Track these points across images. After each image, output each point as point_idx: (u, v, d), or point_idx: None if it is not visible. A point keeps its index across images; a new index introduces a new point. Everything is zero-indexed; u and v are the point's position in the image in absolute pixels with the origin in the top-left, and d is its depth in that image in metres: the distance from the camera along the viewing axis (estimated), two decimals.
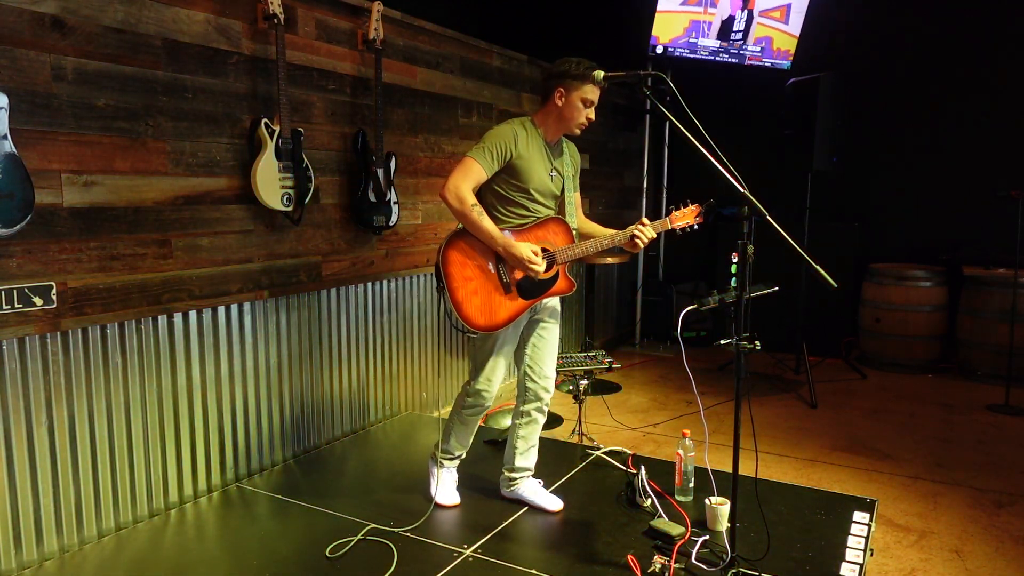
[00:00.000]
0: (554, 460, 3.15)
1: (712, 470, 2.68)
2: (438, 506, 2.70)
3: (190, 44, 2.65)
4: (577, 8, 6.28)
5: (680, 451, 2.75)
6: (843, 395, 4.75)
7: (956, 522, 2.96)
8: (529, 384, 2.69)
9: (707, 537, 2.42)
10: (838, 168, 4.89)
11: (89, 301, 2.40)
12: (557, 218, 2.60)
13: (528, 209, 2.54)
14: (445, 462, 2.79)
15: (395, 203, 3.50)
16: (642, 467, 2.78)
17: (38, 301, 2.25)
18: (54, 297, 2.30)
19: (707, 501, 2.54)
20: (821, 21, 5.58)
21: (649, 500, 2.69)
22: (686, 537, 2.43)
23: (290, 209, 2.97)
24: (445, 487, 2.78)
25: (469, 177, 2.41)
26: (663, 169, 6.48)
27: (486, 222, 2.43)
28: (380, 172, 3.41)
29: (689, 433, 2.77)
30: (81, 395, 2.41)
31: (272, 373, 3.11)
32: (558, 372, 3.54)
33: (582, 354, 3.79)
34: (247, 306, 2.97)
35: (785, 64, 5.71)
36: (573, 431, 3.70)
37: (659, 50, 5.40)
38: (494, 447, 3.32)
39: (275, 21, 2.82)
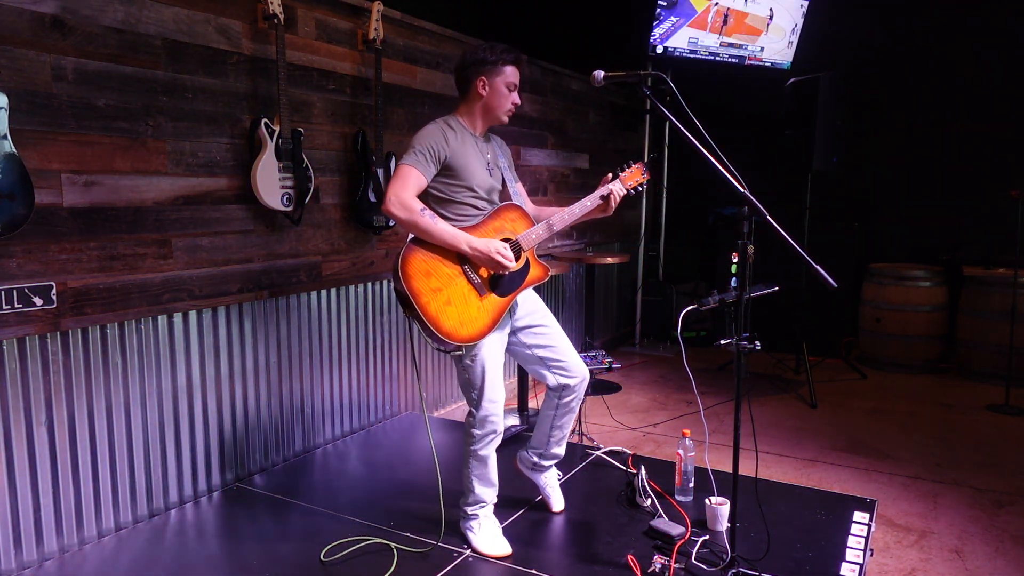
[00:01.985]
0: None
1: (712, 470, 2.68)
2: (487, 558, 2.36)
3: (190, 44, 2.65)
4: (577, 8, 6.28)
5: (680, 451, 2.75)
6: (843, 395, 4.75)
7: (956, 522, 2.96)
8: (567, 381, 2.53)
9: (707, 537, 2.42)
10: (838, 168, 4.89)
11: (89, 301, 2.40)
12: (508, 203, 2.45)
13: (476, 207, 2.40)
14: (479, 514, 2.46)
15: None
16: (642, 467, 2.79)
17: (38, 301, 2.25)
18: (54, 297, 2.30)
19: (707, 501, 2.55)
20: (821, 21, 5.58)
21: (649, 500, 2.69)
22: (686, 537, 2.43)
23: (290, 209, 2.97)
24: (488, 534, 2.43)
25: (409, 185, 2.25)
26: (663, 169, 6.48)
27: (441, 223, 2.26)
28: (380, 172, 3.41)
29: (690, 433, 2.77)
30: (81, 395, 2.41)
31: (272, 373, 3.11)
32: None
33: (582, 354, 3.79)
34: (247, 306, 2.97)
35: (785, 64, 5.71)
36: (573, 431, 3.70)
37: (659, 50, 5.40)
38: None
39: (275, 21, 2.82)
